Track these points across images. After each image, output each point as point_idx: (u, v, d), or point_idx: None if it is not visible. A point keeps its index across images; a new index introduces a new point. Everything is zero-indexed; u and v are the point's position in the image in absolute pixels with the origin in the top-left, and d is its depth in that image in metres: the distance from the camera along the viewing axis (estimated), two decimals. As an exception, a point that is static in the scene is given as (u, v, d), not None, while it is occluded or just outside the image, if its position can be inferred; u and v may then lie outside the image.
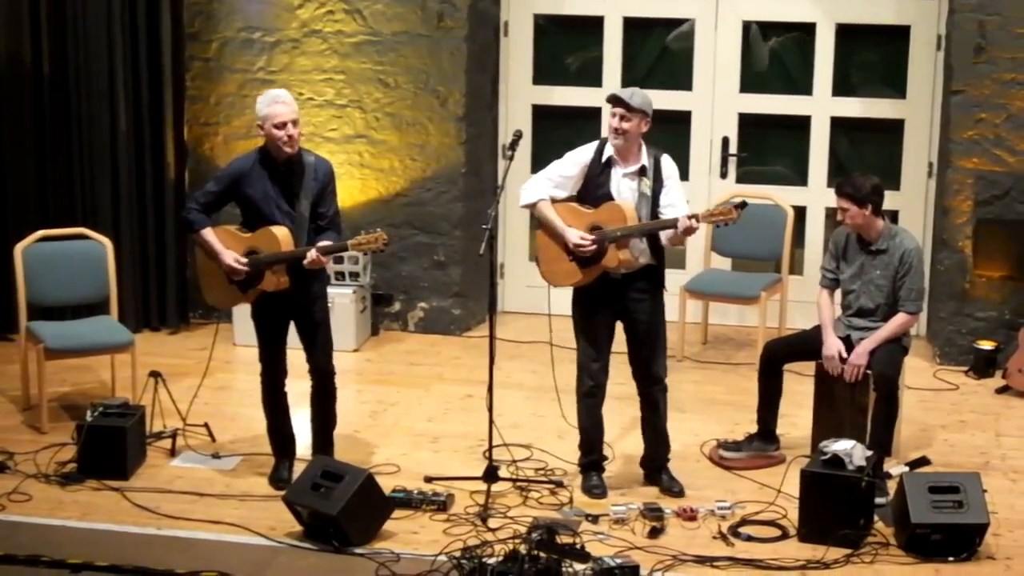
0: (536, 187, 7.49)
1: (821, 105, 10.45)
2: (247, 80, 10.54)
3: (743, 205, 7.12)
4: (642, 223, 7.28)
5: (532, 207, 7.50)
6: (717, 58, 10.51)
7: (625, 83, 10.58)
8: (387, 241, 7.40)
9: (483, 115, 10.62)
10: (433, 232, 10.48)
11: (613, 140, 7.32)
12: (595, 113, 10.68)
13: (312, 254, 7.28)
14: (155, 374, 8.36)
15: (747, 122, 10.58)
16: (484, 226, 7.29)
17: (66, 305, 9.19)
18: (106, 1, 10.07)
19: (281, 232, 7.37)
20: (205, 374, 8.38)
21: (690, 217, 7.09)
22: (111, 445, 7.72)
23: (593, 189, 7.41)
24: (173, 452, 8.12)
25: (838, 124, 10.50)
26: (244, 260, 7.42)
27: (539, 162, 10.59)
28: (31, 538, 7.10)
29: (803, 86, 10.51)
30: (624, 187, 7.35)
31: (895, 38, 10.28)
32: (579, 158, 7.45)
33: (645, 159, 7.35)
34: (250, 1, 10.45)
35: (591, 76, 10.75)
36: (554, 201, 7.45)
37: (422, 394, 9.29)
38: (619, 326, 7.54)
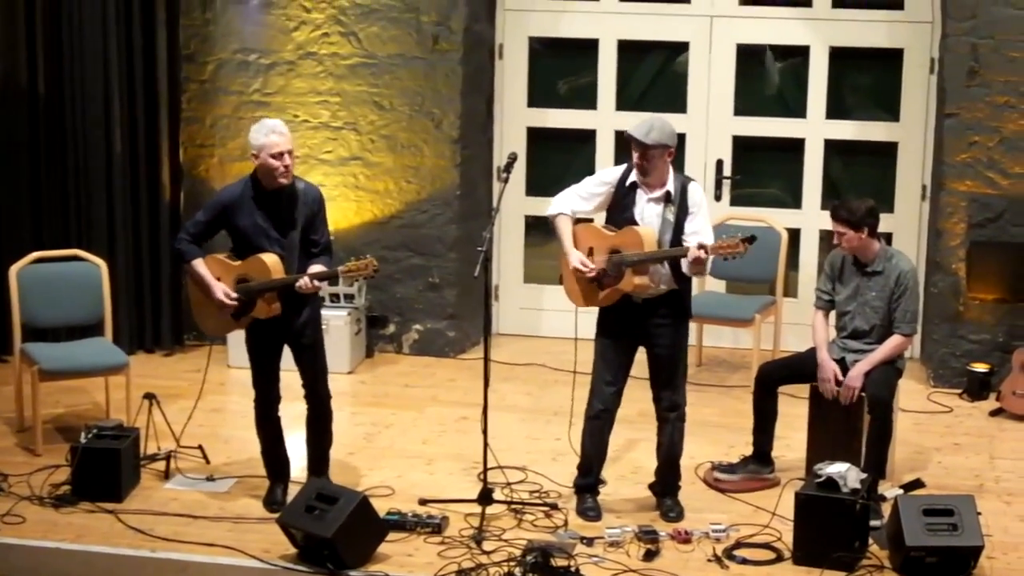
0: (562, 200, 7.48)
1: (815, 128, 10.47)
2: (242, 102, 10.55)
3: (752, 239, 7.10)
4: (653, 250, 7.27)
5: (553, 219, 7.49)
6: (711, 81, 10.53)
7: (620, 105, 10.61)
8: (377, 268, 7.38)
9: (478, 137, 10.64)
10: (428, 254, 10.49)
11: (637, 174, 7.33)
12: (590, 135, 10.72)
13: (304, 281, 7.28)
14: (149, 396, 8.36)
15: (741, 145, 10.61)
16: (479, 248, 7.29)
17: (60, 327, 9.19)
18: (102, 22, 10.09)
19: (271, 260, 7.34)
20: (199, 396, 8.37)
21: (699, 247, 7.09)
22: (105, 467, 7.70)
23: (620, 211, 7.40)
24: (167, 474, 8.10)
25: (832, 147, 10.52)
26: (233, 295, 7.40)
27: (534, 184, 10.67)
28: (25, 560, 7.10)
29: (797, 109, 10.53)
30: (648, 212, 7.34)
31: (888, 61, 10.31)
32: (606, 177, 7.47)
33: (671, 185, 7.33)
34: (246, 23, 10.47)
35: (586, 98, 10.77)
36: (578, 220, 7.44)
37: (416, 416, 9.29)
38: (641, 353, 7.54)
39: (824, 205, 10.42)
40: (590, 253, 7.36)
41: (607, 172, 7.54)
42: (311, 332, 7.60)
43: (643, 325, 7.40)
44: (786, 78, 10.63)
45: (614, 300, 7.35)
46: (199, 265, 7.49)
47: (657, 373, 7.52)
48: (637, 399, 7.74)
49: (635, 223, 7.31)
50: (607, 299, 7.37)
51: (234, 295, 7.39)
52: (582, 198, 7.46)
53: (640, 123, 7.31)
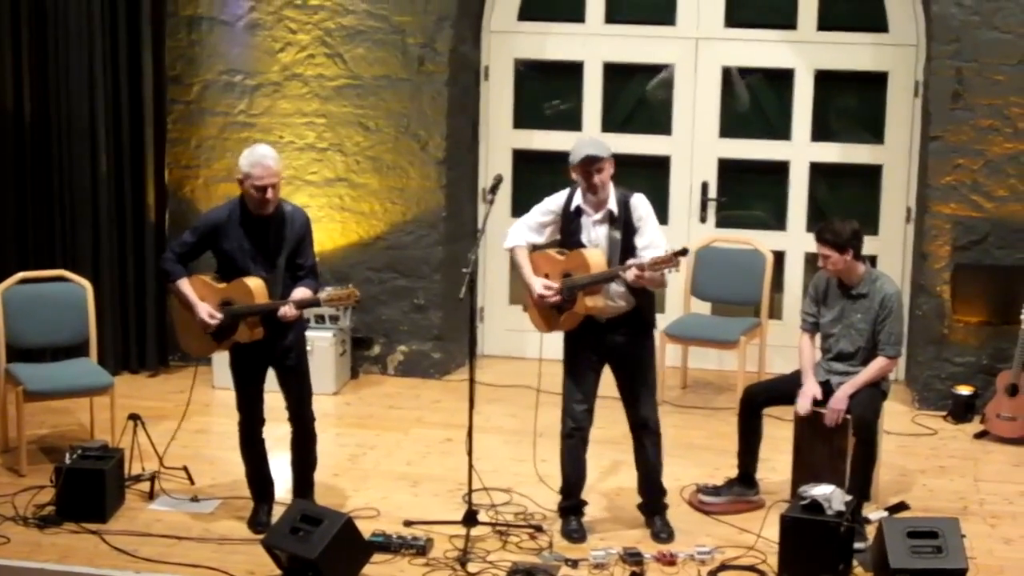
0: (516, 232, 7.57)
1: (800, 150, 10.49)
2: (228, 123, 10.55)
3: (684, 252, 7.13)
4: (594, 272, 7.30)
5: (509, 251, 7.58)
6: (696, 103, 10.55)
7: (606, 127, 10.63)
8: (359, 299, 7.41)
9: (463, 159, 10.65)
10: (413, 276, 10.49)
11: (588, 195, 7.35)
12: (575, 157, 10.72)
13: (286, 309, 7.28)
14: (134, 417, 8.35)
15: (726, 167, 10.62)
16: (464, 270, 7.32)
17: (45, 347, 9.17)
18: (88, 43, 10.09)
19: (255, 284, 7.35)
20: (183, 417, 8.34)
21: (633, 267, 7.13)
22: (89, 488, 7.70)
23: (568, 236, 7.47)
24: (151, 495, 8.09)
25: (817, 169, 10.54)
26: (217, 315, 7.39)
27: (519, 206, 10.64)
28: (8, 581, 7.10)
29: (782, 131, 10.56)
30: (597, 233, 7.38)
31: (873, 84, 10.34)
32: (550, 206, 7.54)
33: (612, 203, 7.37)
34: (231, 45, 10.47)
35: (571, 121, 10.78)
36: (535, 247, 7.49)
37: (401, 437, 9.28)
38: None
39: (809, 227, 10.42)
40: (545, 279, 7.42)
41: (550, 200, 7.57)
42: (296, 355, 7.60)
43: (606, 344, 7.44)
44: (766, 99, 10.64)
45: (576, 323, 7.41)
46: (184, 285, 7.49)
47: (625, 390, 7.55)
48: (620, 420, 7.74)
49: (583, 246, 7.36)
50: (567, 323, 7.43)
51: (218, 315, 7.39)
52: (532, 230, 7.56)
53: (583, 144, 7.43)
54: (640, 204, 7.44)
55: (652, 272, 7.14)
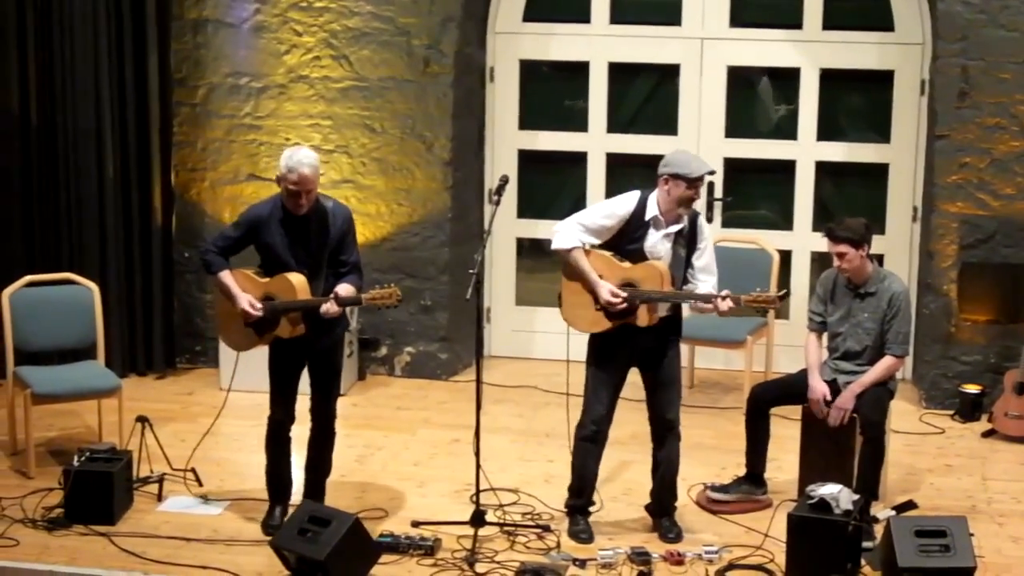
0: (570, 233, 7.40)
1: (806, 150, 10.49)
2: (234, 125, 10.56)
3: (787, 295, 7.15)
4: (679, 291, 7.32)
5: (566, 252, 7.45)
6: (702, 103, 10.55)
7: (611, 128, 10.63)
8: (400, 298, 7.38)
9: (469, 160, 10.65)
10: (420, 277, 10.50)
11: (681, 209, 7.31)
12: (581, 158, 10.73)
13: (328, 306, 7.26)
14: (142, 419, 8.36)
15: (732, 167, 10.62)
16: (471, 271, 7.31)
17: (53, 350, 9.16)
18: (93, 48, 10.10)
19: (297, 279, 7.33)
20: (214, 420, 8.28)
21: (732, 299, 7.17)
22: (98, 490, 7.70)
23: (626, 242, 7.38)
24: (160, 497, 8.10)
25: (823, 168, 10.54)
26: (259, 305, 7.38)
27: (525, 207, 10.68)
28: (17, 584, 7.11)
29: (788, 131, 10.56)
30: (661, 246, 7.34)
31: (879, 83, 10.33)
32: (617, 211, 7.40)
33: (685, 220, 7.36)
34: (237, 47, 10.48)
35: (577, 121, 10.78)
36: (586, 249, 7.43)
37: (409, 438, 9.29)
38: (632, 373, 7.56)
39: (815, 227, 10.44)
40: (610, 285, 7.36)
41: (617, 204, 7.44)
42: (336, 355, 7.64)
43: (641, 348, 7.42)
44: (777, 100, 10.65)
45: (617, 327, 7.37)
46: (226, 276, 7.47)
47: (658, 394, 7.52)
48: (629, 421, 7.75)
49: (644, 256, 7.33)
50: (614, 326, 7.37)
51: (259, 305, 7.37)
52: (590, 232, 7.41)
53: (696, 159, 7.36)
54: (706, 225, 7.50)
55: (747, 307, 7.25)
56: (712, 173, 7.39)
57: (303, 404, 7.67)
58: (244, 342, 7.67)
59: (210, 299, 10.36)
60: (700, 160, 7.38)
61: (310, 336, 7.44)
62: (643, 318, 7.28)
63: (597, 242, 7.44)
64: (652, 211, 7.34)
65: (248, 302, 7.39)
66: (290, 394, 7.62)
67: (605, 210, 7.46)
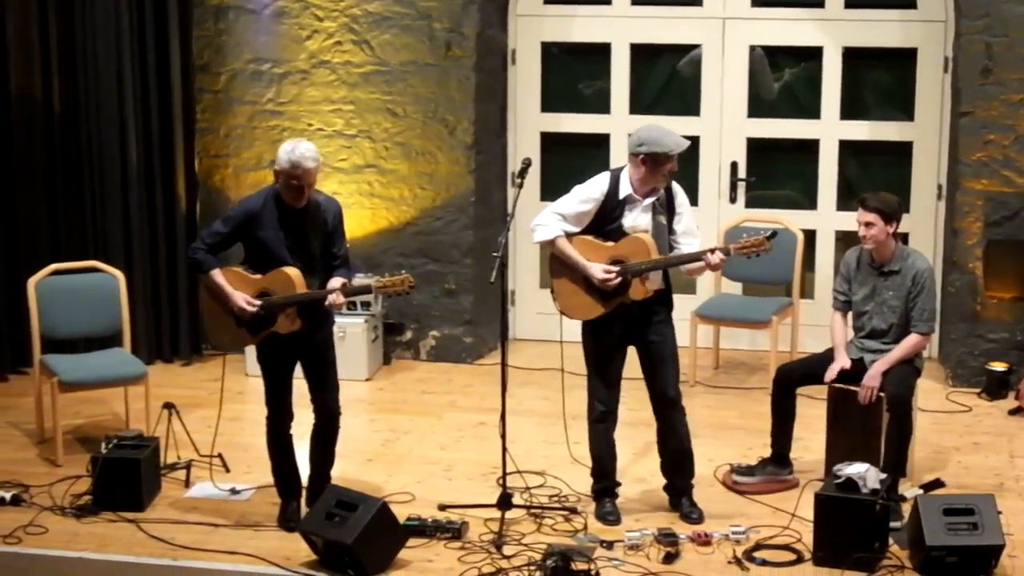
0: (550, 224, 7.42)
1: (829, 128, 10.47)
2: (256, 112, 10.58)
3: (774, 235, 7.14)
4: (668, 256, 7.32)
5: (550, 244, 7.46)
6: (725, 83, 10.53)
7: (634, 109, 10.62)
8: (413, 284, 7.32)
9: (492, 143, 10.65)
10: (444, 260, 10.50)
11: (651, 184, 7.29)
12: (603, 140, 10.72)
13: (334, 297, 7.21)
14: (168, 405, 8.39)
15: (755, 147, 10.60)
16: (495, 254, 7.30)
17: (79, 338, 9.22)
18: (115, 36, 10.12)
19: (295, 273, 7.25)
20: (220, 410, 8.26)
21: (720, 251, 7.17)
22: (126, 477, 7.73)
23: (606, 222, 7.39)
24: (187, 483, 8.13)
25: (847, 147, 10.51)
26: (256, 302, 7.30)
27: (548, 189, 10.66)
28: (47, 571, 7.14)
29: (811, 110, 10.53)
30: (642, 220, 7.34)
31: (902, 61, 10.30)
32: (591, 194, 7.40)
33: (660, 189, 7.36)
34: (258, 33, 10.49)
35: (599, 103, 10.77)
36: (568, 236, 7.43)
37: (434, 422, 9.30)
38: (630, 352, 7.55)
39: (840, 206, 10.44)
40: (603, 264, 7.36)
41: (590, 188, 7.44)
42: (331, 350, 7.58)
43: (636, 325, 7.43)
44: (794, 78, 10.62)
45: (614, 307, 7.37)
46: (217, 275, 7.36)
47: (657, 371, 7.50)
48: (649, 402, 7.73)
49: (624, 233, 7.33)
50: (609, 307, 7.38)
51: (256, 302, 7.31)
52: (569, 220, 7.41)
53: (672, 135, 7.31)
54: (681, 191, 7.48)
55: (738, 255, 7.28)
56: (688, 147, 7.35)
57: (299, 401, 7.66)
58: (236, 340, 7.60)
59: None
60: (673, 135, 7.33)
61: (307, 330, 7.37)
62: (638, 291, 7.29)
63: (577, 230, 7.43)
64: (626, 189, 7.35)
65: (244, 300, 7.29)
66: (286, 392, 7.52)
67: (579, 195, 7.45)
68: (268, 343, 7.44)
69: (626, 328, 7.44)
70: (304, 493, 7.67)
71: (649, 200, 7.34)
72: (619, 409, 7.66)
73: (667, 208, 7.39)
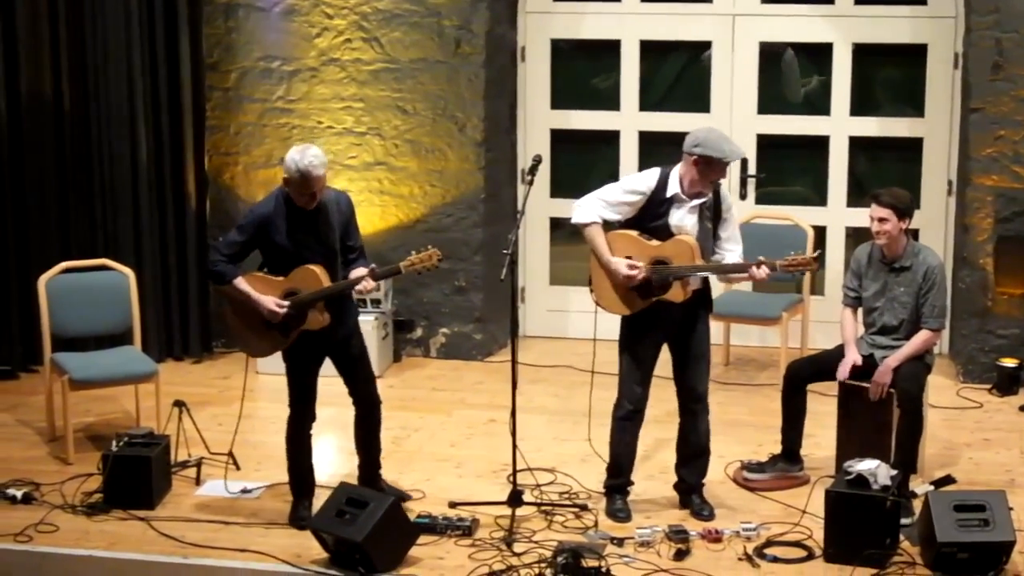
0: (590, 208, 7.37)
1: (839, 125, 10.46)
2: (266, 109, 10.59)
3: (821, 255, 7.15)
4: (712, 264, 7.31)
5: (583, 227, 7.41)
6: (734, 80, 10.52)
7: (643, 106, 10.63)
8: (441, 257, 7.34)
9: (502, 140, 10.65)
10: (454, 258, 10.50)
11: (700, 186, 7.23)
12: (613, 137, 10.72)
13: (367, 283, 7.22)
14: (179, 403, 8.39)
15: (765, 143, 10.60)
16: (504, 251, 7.28)
17: (90, 336, 9.22)
18: (125, 34, 10.13)
19: (318, 269, 7.25)
20: (241, 409, 8.24)
21: (767, 264, 7.14)
22: (136, 475, 7.74)
23: (650, 219, 7.35)
24: (198, 481, 8.13)
25: (856, 144, 10.50)
26: (285, 303, 7.28)
27: (558, 186, 10.67)
28: (58, 569, 7.15)
29: (821, 106, 10.52)
30: (687, 221, 7.31)
31: (912, 57, 10.29)
32: (638, 187, 7.35)
33: (709, 192, 7.32)
34: (268, 31, 10.50)
35: (609, 100, 10.77)
36: (608, 225, 7.39)
37: (445, 419, 9.30)
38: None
39: (850, 202, 10.43)
40: (627, 259, 7.33)
41: (637, 181, 7.40)
42: (358, 342, 7.59)
43: (673, 324, 7.41)
44: (805, 73, 10.61)
45: (650, 306, 7.35)
46: (241, 283, 7.32)
47: (689, 368, 7.50)
48: (664, 399, 7.75)
49: (669, 232, 7.29)
50: (645, 305, 7.36)
51: (285, 303, 7.28)
52: (610, 207, 7.36)
53: (721, 140, 7.23)
54: (728, 194, 7.46)
55: (783, 272, 7.25)
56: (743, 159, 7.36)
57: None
58: (269, 346, 7.53)
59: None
60: (732, 143, 7.30)
61: (334, 324, 7.37)
62: (677, 294, 7.26)
63: (618, 218, 7.39)
64: (674, 188, 7.30)
65: (274, 303, 7.27)
66: (311, 392, 7.52)
67: (626, 186, 7.42)
68: (295, 342, 7.42)
69: (663, 325, 7.42)
70: (358, 481, 7.68)
71: (696, 202, 7.29)
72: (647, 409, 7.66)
73: (713, 212, 7.36)
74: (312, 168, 7.11)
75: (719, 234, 7.38)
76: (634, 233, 7.36)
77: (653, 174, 7.38)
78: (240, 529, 7.49)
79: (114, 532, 7.48)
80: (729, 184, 10.52)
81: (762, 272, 7.16)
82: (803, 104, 10.63)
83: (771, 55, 10.55)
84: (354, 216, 7.52)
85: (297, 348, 7.45)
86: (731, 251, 7.40)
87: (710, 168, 7.19)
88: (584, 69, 10.88)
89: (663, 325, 7.41)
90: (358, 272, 7.32)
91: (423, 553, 7.12)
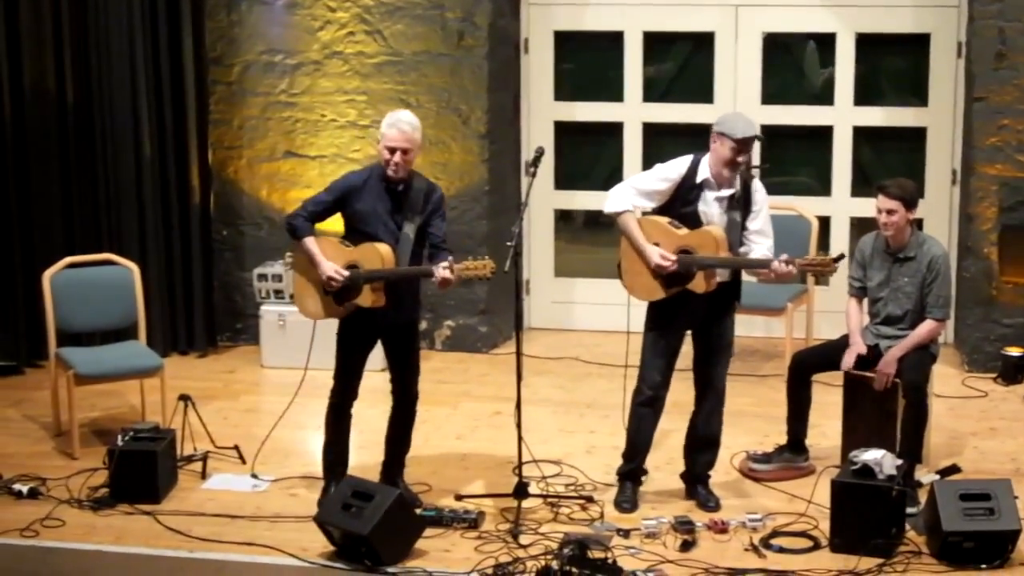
0: (622, 196, 7.38)
1: (843, 115, 10.45)
2: (269, 103, 10.58)
3: (840, 257, 7.12)
4: (735, 258, 7.29)
5: (616, 216, 7.41)
6: (738, 70, 10.52)
7: (646, 98, 10.63)
8: (495, 270, 7.28)
9: (505, 132, 10.65)
10: (458, 250, 10.43)
11: (727, 171, 7.25)
12: (617, 128, 10.71)
13: (445, 273, 7.19)
14: (184, 397, 8.39)
15: (769, 133, 10.55)
16: (508, 243, 7.29)
17: (95, 331, 9.23)
18: (128, 28, 10.13)
19: (385, 249, 7.25)
20: (287, 410, 8.24)
21: (786, 262, 7.10)
22: (142, 469, 7.73)
23: (679, 206, 7.35)
24: (204, 475, 8.14)
25: (860, 133, 10.50)
26: (344, 272, 7.30)
27: (562, 178, 10.66)
28: (65, 563, 7.15)
29: (825, 96, 10.51)
30: (714, 210, 7.31)
31: (915, 46, 10.28)
32: (670, 174, 7.36)
33: (737, 183, 7.32)
34: (271, 24, 10.50)
35: (612, 91, 10.76)
36: (642, 213, 7.40)
37: (450, 412, 9.30)
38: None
39: (854, 192, 10.43)
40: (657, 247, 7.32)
41: (669, 168, 7.40)
42: (416, 335, 7.61)
43: (699, 314, 7.40)
44: (824, 64, 10.61)
45: (675, 295, 7.35)
46: (310, 242, 7.38)
47: (710, 359, 7.51)
48: (674, 389, 7.73)
49: (698, 220, 7.29)
50: (670, 293, 7.34)
51: (344, 272, 7.28)
52: (643, 195, 7.37)
53: (744, 120, 7.28)
54: (761, 188, 7.44)
55: (801, 271, 7.23)
56: (759, 138, 7.33)
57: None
58: (321, 309, 7.53)
59: (248, 276, 10.41)
60: (748, 122, 7.31)
61: (390, 310, 7.37)
62: (700, 284, 7.24)
63: (651, 206, 7.39)
64: (704, 173, 7.31)
65: (333, 269, 7.30)
66: (357, 372, 7.55)
67: (659, 174, 7.41)
68: (352, 318, 7.44)
69: (688, 315, 7.41)
70: (380, 475, 7.68)
71: (725, 192, 7.30)
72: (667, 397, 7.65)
73: (743, 204, 7.35)
74: (398, 123, 7.21)
75: (747, 226, 7.36)
76: (664, 220, 7.36)
77: (684, 161, 7.40)
78: (246, 523, 7.49)
79: (120, 526, 7.48)
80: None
81: (783, 267, 7.09)
82: (807, 94, 10.62)
83: (776, 45, 10.53)
84: (442, 209, 7.50)
85: (350, 323, 7.46)
86: (759, 244, 7.37)
87: (723, 144, 7.21)
88: (587, 61, 10.87)
89: (689, 315, 7.40)
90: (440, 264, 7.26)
91: (429, 546, 7.12)
